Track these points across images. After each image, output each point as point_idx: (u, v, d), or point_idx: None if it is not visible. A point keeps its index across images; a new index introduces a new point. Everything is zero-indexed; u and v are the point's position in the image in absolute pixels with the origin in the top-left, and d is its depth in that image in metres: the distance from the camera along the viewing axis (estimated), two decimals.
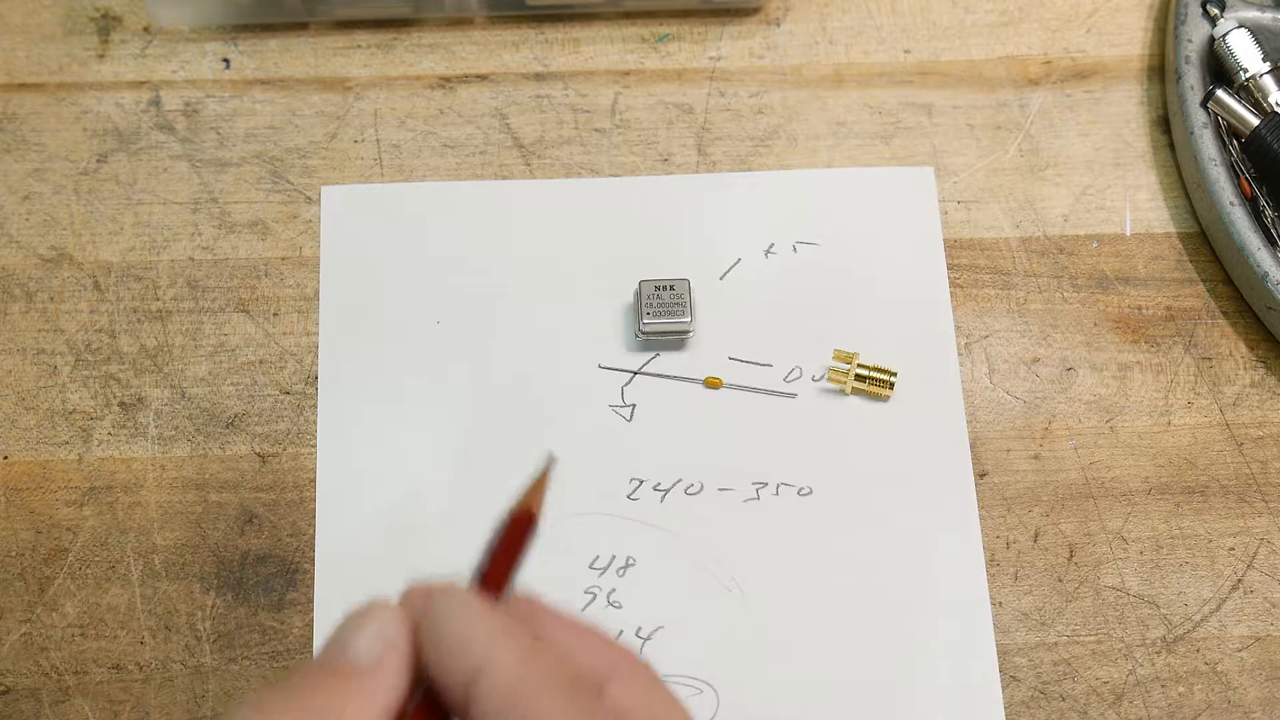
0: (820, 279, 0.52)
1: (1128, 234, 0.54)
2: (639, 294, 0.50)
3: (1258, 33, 0.53)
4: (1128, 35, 0.57)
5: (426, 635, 0.31)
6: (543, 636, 0.31)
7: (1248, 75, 0.53)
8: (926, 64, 0.56)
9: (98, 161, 0.54)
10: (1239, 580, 0.49)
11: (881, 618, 0.48)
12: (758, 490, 0.49)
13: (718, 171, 0.54)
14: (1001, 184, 0.54)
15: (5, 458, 0.49)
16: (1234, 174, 0.52)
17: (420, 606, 0.31)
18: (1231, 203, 0.51)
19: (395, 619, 0.31)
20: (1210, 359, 0.52)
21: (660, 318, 0.50)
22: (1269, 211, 0.52)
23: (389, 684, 0.31)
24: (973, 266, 0.53)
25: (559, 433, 0.50)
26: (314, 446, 0.50)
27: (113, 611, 0.48)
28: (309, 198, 0.53)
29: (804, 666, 0.47)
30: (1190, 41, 0.54)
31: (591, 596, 0.48)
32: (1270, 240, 0.51)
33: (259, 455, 0.49)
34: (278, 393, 0.50)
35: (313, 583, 0.48)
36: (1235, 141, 0.52)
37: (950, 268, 0.53)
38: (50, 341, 0.51)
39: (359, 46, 0.56)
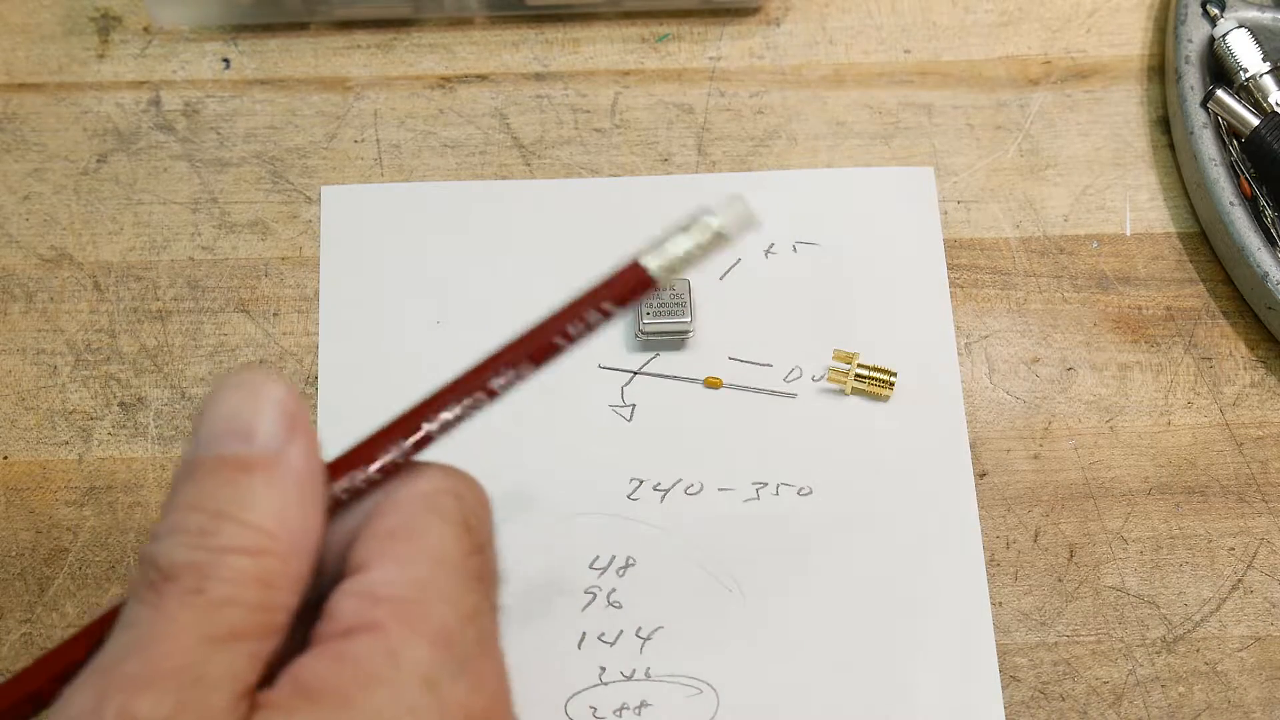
0: (820, 279, 0.52)
1: (1128, 234, 0.54)
2: None
3: (1258, 33, 0.53)
4: (1128, 35, 0.57)
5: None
6: None
7: (1248, 75, 0.53)
8: (926, 64, 0.56)
9: (98, 161, 0.54)
10: (1239, 580, 0.49)
11: (881, 617, 0.48)
12: (758, 490, 0.49)
13: (718, 171, 0.54)
14: (1001, 184, 0.54)
15: (5, 458, 0.49)
16: (1234, 174, 0.52)
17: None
18: (1231, 203, 0.51)
19: (288, 389, 0.28)
20: (1210, 359, 0.52)
21: (660, 318, 0.50)
22: (1269, 211, 0.51)
23: (306, 468, 0.28)
24: (973, 266, 0.53)
25: (559, 433, 0.50)
26: None
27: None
28: (309, 198, 0.53)
29: (804, 666, 0.47)
30: (1190, 41, 0.54)
31: (591, 596, 0.48)
32: (1270, 240, 0.51)
33: None
34: None
35: None
36: (1235, 141, 0.52)
37: (950, 268, 0.53)
38: (50, 341, 0.51)
39: (359, 46, 0.56)
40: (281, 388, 0.28)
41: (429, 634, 0.28)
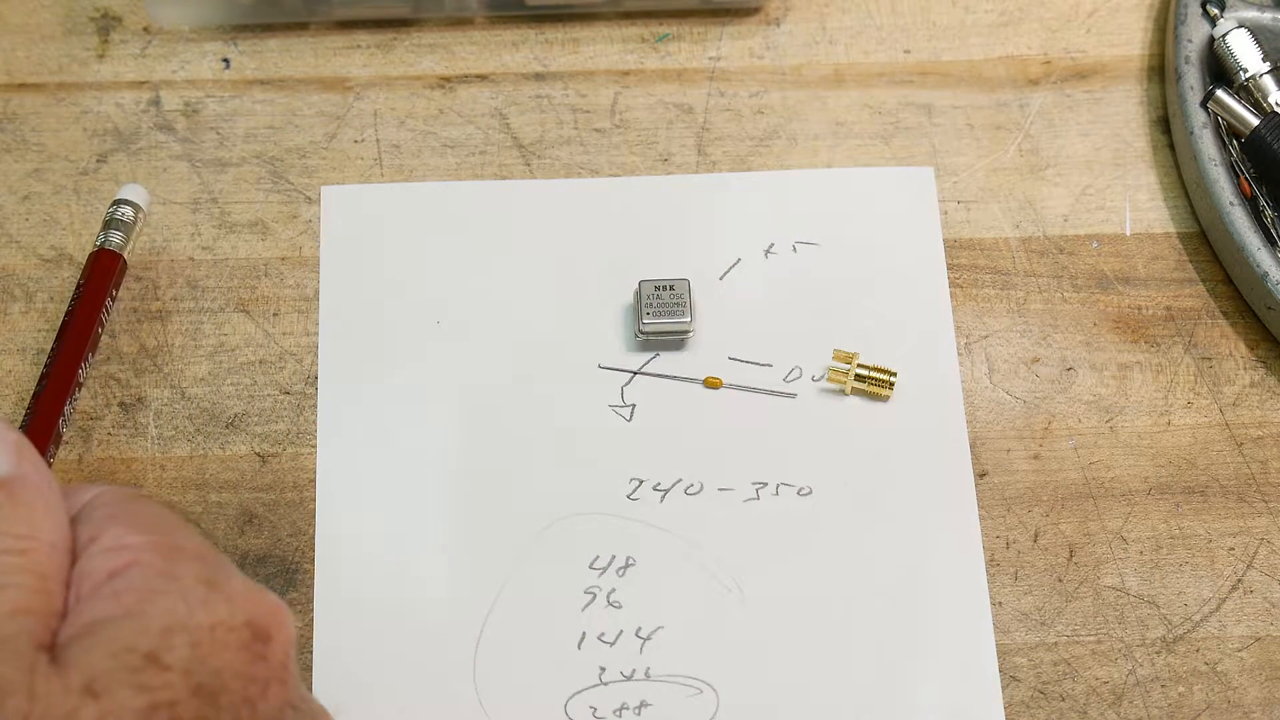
0: (820, 279, 0.52)
1: (1128, 234, 0.54)
2: (639, 294, 0.50)
3: (1258, 33, 0.53)
4: (1128, 35, 0.57)
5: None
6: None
7: (1248, 75, 0.53)
8: (926, 64, 0.56)
9: (98, 161, 0.54)
10: (1239, 580, 0.49)
11: (881, 618, 0.48)
12: (758, 490, 0.49)
13: (718, 171, 0.54)
14: (1001, 184, 0.54)
15: None
16: (1234, 174, 0.52)
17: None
18: (1231, 203, 0.51)
19: (6, 423, 0.33)
20: (1210, 359, 0.52)
21: (660, 318, 0.50)
22: (1269, 211, 0.52)
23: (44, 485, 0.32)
24: (973, 266, 0.53)
25: (559, 433, 0.50)
26: (314, 446, 0.50)
27: None
28: (309, 198, 0.53)
29: (804, 666, 0.47)
30: (1190, 41, 0.54)
31: (591, 596, 0.48)
32: (1270, 240, 0.51)
33: (259, 455, 0.50)
34: (278, 393, 0.50)
35: (313, 583, 0.48)
36: (1235, 141, 0.52)
37: (950, 268, 0.53)
38: (50, 341, 0.51)
39: (359, 46, 0.56)
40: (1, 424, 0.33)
41: (189, 554, 0.32)
